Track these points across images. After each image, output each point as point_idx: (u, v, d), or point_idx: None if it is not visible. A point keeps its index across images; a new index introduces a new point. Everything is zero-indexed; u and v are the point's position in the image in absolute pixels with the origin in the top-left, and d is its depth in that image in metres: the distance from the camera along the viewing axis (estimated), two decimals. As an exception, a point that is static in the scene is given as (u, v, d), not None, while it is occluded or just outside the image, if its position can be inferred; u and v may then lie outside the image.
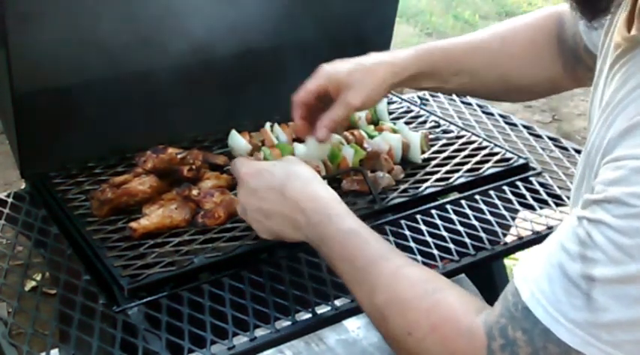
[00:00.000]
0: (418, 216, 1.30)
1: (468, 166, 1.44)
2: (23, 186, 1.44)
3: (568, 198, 1.39)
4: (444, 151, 1.51)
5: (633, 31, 0.83)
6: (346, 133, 1.49)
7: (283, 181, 1.04)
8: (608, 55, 0.90)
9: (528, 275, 0.76)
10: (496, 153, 1.50)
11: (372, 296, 0.90)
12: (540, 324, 0.73)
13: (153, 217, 1.22)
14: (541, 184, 1.43)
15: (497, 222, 1.30)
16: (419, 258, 1.19)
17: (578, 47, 1.17)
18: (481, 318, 0.80)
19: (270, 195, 1.05)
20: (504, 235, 1.28)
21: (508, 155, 1.50)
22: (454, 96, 1.86)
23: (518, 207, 1.36)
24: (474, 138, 1.57)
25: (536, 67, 1.24)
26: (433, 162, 1.46)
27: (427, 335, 0.82)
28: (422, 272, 0.89)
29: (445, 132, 1.60)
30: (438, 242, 1.23)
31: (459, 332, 0.80)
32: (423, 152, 1.48)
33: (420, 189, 1.36)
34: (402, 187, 1.36)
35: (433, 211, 1.32)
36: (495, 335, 0.77)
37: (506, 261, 1.88)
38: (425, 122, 1.66)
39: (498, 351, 0.76)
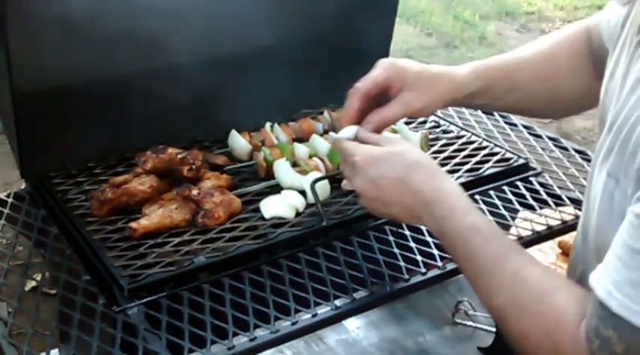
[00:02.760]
0: (418, 216, 1.30)
1: (468, 166, 1.44)
2: (23, 186, 1.44)
3: (568, 198, 1.40)
4: (444, 151, 1.51)
5: None
6: (346, 133, 1.49)
7: (405, 171, 1.02)
8: (627, 42, 0.92)
9: (609, 285, 0.77)
10: (496, 153, 1.50)
11: (491, 298, 0.91)
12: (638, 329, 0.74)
13: (153, 217, 1.22)
14: (541, 184, 1.43)
15: (497, 222, 1.30)
16: (419, 257, 1.20)
17: (604, 57, 1.18)
18: (583, 323, 0.82)
19: (391, 186, 1.03)
20: (504, 235, 1.28)
21: (508, 155, 1.50)
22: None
23: (518, 207, 1.36)
24: (474, 138, 1.57)
25: (581, 79, 1.23)
26: (433, 162, 1.46)
27: (542, 341, 0.84)
28: (539, 272, 0.89)
29: (445, 132, 1.60)
30: (439, 242, 1.23)
31: (569, 339, 0.82)
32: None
33: (420, 189, 1.36)
34: (402, 187, 1.36)
35: (433, 211, 1.32)
36: (592, 338, 0.79)
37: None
38: (425, 122, 1.66)
39: (597, 351, 0.78)
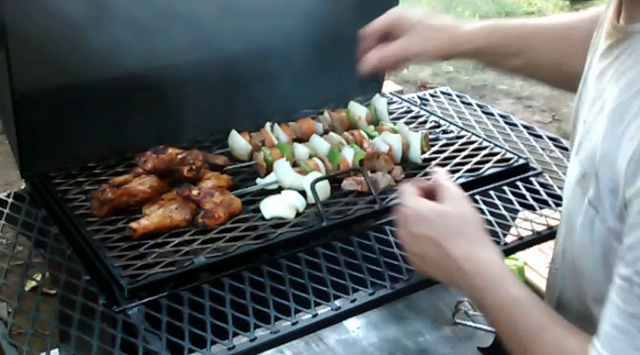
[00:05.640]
0: (418, 216, 1.30)
1: (468, 166, 1.44)
2: (23, 186, 1.44)
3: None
4: (444, 151, 1.51)
5: (621, 21, 0.84)
6: (346, 133, 1.49)
7: (445, 235, 0.98)
8: (597, 48, 0.90)
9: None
10: (496, 154, 1.50)
11: None
12: None
13: (153, 217, 1.22)
14: (541, 184, 1.43)
15: (497, 222, 1.30)
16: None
17: None
18: None
19: (429, 246, 1.00)
20: (504, 235, 1.28)
21: (508, 155, 1.50)
22: (454, 97, 1.86)
23: (518, 207, 1.36)
24: (474, 138, 1.57)
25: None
26: (433, 163, 1.46)
27: None
28: (579, 343, 0.86)
29: (445, 132, 1.60)
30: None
31: None
32: (423, 152, 1.48)
33: (420, 189, 1.36)
34: (402, 187, 1.36)
35: (433, 211, 1.32)
36: None
37: (507, 261, 1.88)
38: (425, 122, 1.66)
39: None
